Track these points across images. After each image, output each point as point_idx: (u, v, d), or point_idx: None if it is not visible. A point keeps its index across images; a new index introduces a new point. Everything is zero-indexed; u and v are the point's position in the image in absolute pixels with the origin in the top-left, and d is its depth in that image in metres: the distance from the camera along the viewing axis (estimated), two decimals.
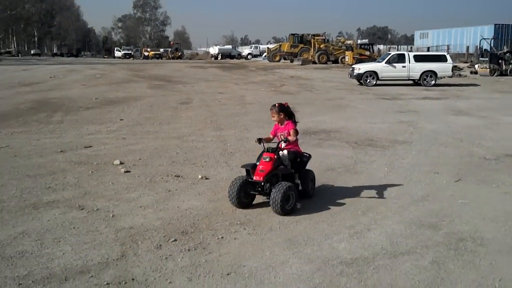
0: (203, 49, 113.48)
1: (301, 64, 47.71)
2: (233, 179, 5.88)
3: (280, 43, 63.56)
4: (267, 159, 5.72)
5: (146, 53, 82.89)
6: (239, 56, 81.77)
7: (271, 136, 6.19)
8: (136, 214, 5.60)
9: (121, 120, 12.69)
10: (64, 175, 7.19)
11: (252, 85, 24.53)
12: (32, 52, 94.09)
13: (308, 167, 6.38)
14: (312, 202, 6.13)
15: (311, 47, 51.08)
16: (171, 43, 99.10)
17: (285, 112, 6.08)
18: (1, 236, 4.84)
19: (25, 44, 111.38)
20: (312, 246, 4.76)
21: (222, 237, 4.91)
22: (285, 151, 5.94)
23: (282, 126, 6.11)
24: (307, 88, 22.84)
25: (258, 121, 12.74)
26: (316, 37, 51.68)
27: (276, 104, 6.11)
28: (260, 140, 5.98)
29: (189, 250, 4.60)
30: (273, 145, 5.94)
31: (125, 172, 7.46)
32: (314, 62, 48.59)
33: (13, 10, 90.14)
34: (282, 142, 5.90)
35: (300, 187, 6.06)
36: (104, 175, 7.29)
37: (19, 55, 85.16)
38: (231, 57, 79.90)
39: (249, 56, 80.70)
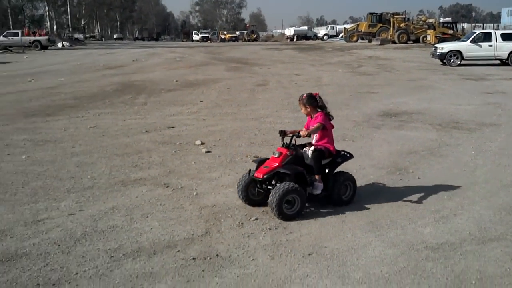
0: (278, 30, 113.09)
1: (380, 44, 46.36)
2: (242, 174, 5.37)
3: (358, 23, 61.94)
4: (277, 155, 5.06)
5: (223, 36, 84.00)
6: (315, 37, 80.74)
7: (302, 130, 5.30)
8: (218, 193, 5.74)
9: (200, 102, 12.98)
10: (150, 154, 7.49)
11: (328, 66, 24.19)
12: (115, 36, 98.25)
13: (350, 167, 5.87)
14: (394, 186, 5.99)
15: (390, 26, 49.38)
16: (247, 25, 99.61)
17: (313, 105, 5.25)
18: (93, 211, 5.14)
19: (108, 28, 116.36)
20: (395, 230, 4.66)
21: (302, 218, 4.92)
22: (311, 148, 5.23)
23: (313, 119, 5.30)
24: (387, 69, 22.19)
25: (335, 102, 12.54)
26: (396, 16, 49.84)
27: (304, 95, 5.30)
28: (282, 133, 5.19)
29: (270, 229, 4.66)
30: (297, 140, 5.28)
31: (206, 152, 7.66)
32: (394, 42, 47.01)
33: None
34: (295, 136, 5.15)
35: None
36: (187, 154, 7.52)
37: (103, 39, 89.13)
38: (307, 38, 79.04)
39: (325, 37, 79.41)
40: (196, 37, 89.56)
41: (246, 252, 4.19)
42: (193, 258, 4.06)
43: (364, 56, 31.41)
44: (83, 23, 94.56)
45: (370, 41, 51.75)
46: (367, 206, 5.28)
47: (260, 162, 5.20)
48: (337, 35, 77.61)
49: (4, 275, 3.77)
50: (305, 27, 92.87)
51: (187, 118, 10.65)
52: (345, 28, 63.98)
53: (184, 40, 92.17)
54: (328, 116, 5.25)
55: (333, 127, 5.33)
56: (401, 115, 10.74)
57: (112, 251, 4.18)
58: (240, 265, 3.96)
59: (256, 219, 4.90)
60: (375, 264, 3.99)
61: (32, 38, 47.99)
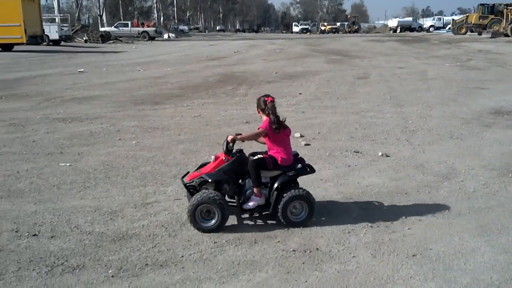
0: (381, 22, 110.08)
1: (491, 37, 43.47)
2: None
3: (467, 14, 58.56)
4: (212, 160, 4.66)
5: (322, 28, 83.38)
6: (420, 28, 77.53)
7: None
8: (318, 186, 5.72)
9: (299, 94, 12.97)
10: (250, 145, 7.62)
11: (434, 60, 23.12)
12: (217, 28, 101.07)
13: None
14: (506, 189, 5.61)
15: (503, 18, 46.12)
16: (348, 16, 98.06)
17: (260, 108, 4.70)
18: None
19: (211, 20, 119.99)
20: (507, 235, 4.37)
21: (405, 217, 4.76)
22: (255, 157, 4.66)
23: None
24: (498, 63, 20.77)
25: (442, 98, 11.98)
26: (510, 7, 46.42)
27: (259, 97, 4.80)
28: (230, 141, 4.57)
29: (371, 226, 4.56)
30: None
31: (305, 145, 7.65)
32: (506, 35, 43.88)
33: None
34: (229, 143, 4.59)
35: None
36: None
37: (206, 31, 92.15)
38: (411, 29, 76.18)
39: (431, 29, 76.06)
40: (295, 28, 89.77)
41: (347, 248, 4.14)
42: (293, 250, 4.09)
43: (474, 50, 29.63)
44: (188, 15, 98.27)
45: (480, 33, 48.73)
46: (476, 208, 5.00)
47: (201, 166, 4.83)
48: (444, 27, 74.06)
49: (115, 253, 4.04)
50: (410, 18, 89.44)
51: (286, 110, 10.68)
52: (453, 19, 60.66)
53: (284, 31, 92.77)
54: (276, 124, 4.53)
55: (287, 136, 4.71)
56: None
57: (216, 236, 4.32)
58: (340, 261, 3.92)
59: (357, 215, 4.82)
60: (484, 270, 3.77)
61: (141, 29, 50.80)
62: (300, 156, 4.87)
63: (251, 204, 4.56)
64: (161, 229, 4.49)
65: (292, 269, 3.79)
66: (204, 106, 11.16)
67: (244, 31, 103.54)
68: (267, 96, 4.69)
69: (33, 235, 4.35)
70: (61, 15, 46.67)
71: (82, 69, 18.92)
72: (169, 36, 59.16)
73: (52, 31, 37.60)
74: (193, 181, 4.67)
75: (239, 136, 4.62)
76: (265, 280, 3.64)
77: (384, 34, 70.50)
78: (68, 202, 5.15)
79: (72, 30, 44.69)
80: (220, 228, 4.38)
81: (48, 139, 7.91)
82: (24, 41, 29.52)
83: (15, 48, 30.63)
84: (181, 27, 80.00)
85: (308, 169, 4.71)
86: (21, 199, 5.22)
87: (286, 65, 21.25)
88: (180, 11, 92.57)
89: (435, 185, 5.78)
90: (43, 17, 36.00)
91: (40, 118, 9.56)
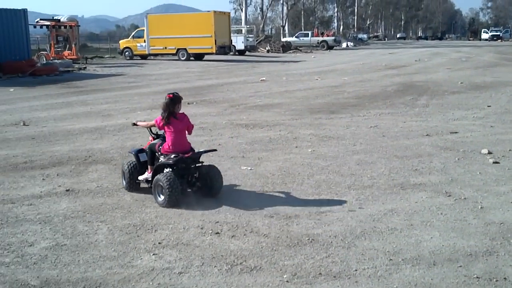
0: None
1: None
2: None
3: None
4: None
5: None
6: None
7: None
8: (507, 210, 5.18)
9: (488, 106, 11.96)
10: (430, 159, 7.23)
11: None
12: (397, 36, 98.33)
13: None
14: None
15: None
16: None
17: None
18: (372, 210, 5.22)
19: (391, 28, 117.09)
20: None
21: None
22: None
23: None
24: None
25: None
26: None
27: None
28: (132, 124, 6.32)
29: None
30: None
31: (494, 162, 7.00)
32: None
33: None
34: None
35: None
36: (471, 163, 7.01)
37: (385, 38, 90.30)
38: None
39: None
40: (484, 35, 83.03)
41: None
42: (477, 277, 3.75)
43: None
44: (368, 23, 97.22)
45: None
46: None
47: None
48: None
49: (290, 258, 4.13)
50: None
51: (472, 123, 9.93)
52: None
53: (471, 38, 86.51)
54: (163, 120, 5.51)
55: (177, 131, 5.52)
56: None
57: (391, 254, 4.17)
58: None
59: None
60: None
61: (320, 38, 51.69)
62: (200, 151, 5.79)
63: (141, 177, 5.85)
64: (334, 239, 4.49)
65: None
66: (381, 117, 10.91)
67: (426, 38, 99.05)
68: (170, 93, 5.59)
69: (216, 233, 4.68)
70: (248, 26, 49.84)
71: (264, 78, 19.93)
72: (347, 45, 59.25)
73: (238, 42, 40.36)
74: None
75: (138, 123, 6.11)
76: None
77: None
78: (248, 205, 5.44)
79: (257, 40, 47.39)
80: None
81: (232, 143, 8.48)
82: (214, 51, 32.17)
83: (206, 57, 33.54)
84: (360, 35, 79.63)
85: (176, 159, 5.42)
86: (206, 199, 5.63)
87: (473, 74, 19.78)
88: (361, 20, 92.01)
89: None
90: (232, 29, 38.82)
91: (226, 123, 10.29)
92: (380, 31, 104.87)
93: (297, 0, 73.75)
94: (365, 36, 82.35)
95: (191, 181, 5.68)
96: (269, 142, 8.58)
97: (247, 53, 41.50)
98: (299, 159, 7.38)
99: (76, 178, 6.56)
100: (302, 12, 77.63)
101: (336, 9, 79.44)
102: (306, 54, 41.80)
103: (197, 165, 5.72)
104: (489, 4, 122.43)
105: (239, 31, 45.36)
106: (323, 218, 5.01)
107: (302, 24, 75.92)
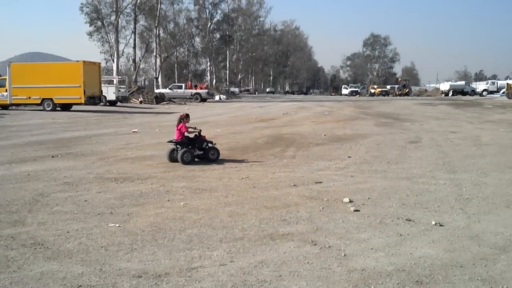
0: (432, 85, 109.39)
1: None
2: None
3: None
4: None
5: (372, 90, 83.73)
6: (473, 92, 76.52)
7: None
8: (368, 256, 5.51)
9: (349, 157, 12.84)
10: (297, 209, 7.52)
11: (488, 124, 22.56)
12: (267, 90, 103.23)
13: None
14: None
15: None
16: (399, 79, 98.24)
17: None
18: (243, 263, 5.24)
19: (261, 82, 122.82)
20: None
21: None
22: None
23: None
24: None
25: (497, 164, 11.57)
26: None
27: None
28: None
29: None
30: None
31: (355, 210, 7.46)
32: None
33: (253, 52, 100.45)
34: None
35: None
36: (334, 212, 7.41)
37: (256, 92, 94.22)
38: (464, 93, 75.36)
39: (484, 93, 74.84)
40: (345, 91, 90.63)
41: None
42: None
43: None
44: (239, 77, 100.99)
45: None
46: None
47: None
48: (498, 91, 72.75)
49: None
50: (462, 82, 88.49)
51: (334, 173, 10.57)
52: (507, 83, 59.53)
53: (333, 94, 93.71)
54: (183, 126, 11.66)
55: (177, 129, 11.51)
56: None
57: None
58: None
59: None
60: None
61: (194, 91, 52.49)
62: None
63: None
64: None
65: None
66: (252, 168, 11.20)
67: (293, 93, 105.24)
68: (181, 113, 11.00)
69: None
70: (119, 77, 49.09)
71: (136, 129, 19.58)
72: (220, 98, 60.77)
73: (109, 92, 39.49)
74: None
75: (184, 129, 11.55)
76: None
77: (435, 97, 69.83)
78: (114, 265, 5.17)
79: (129, 91, 46.74)
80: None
81: (99, 199, 8.09)
82: (83, 102, 31.07)
83: (74, 107, 32.23)
84: (232, 89, 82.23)
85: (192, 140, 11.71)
86: (69, 260, 5.28)
87: (335, 127, 21.26)
88: (232, 74, 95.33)
89: (491, 258, 5.46)
90: (103, 79, 37.92)
91: (93, 178, 9.84)
92: (251, 85, 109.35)
93: (171, 53, 74.61)
94: (237, 89, 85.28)
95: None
96: (140, 196, 8.34)
97: (118, 104, 40.67)
98: (171, 213, 7.25)
99: None
100: (176, 65, 78.55)
101: (209, 63, 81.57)
102: (180, 106, 42.03)
103: None
104: (348, 63, 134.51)
105: (110, 82, 44.49)
106: (194, 275, 4.91)
107: (176, 76, 76.70)
